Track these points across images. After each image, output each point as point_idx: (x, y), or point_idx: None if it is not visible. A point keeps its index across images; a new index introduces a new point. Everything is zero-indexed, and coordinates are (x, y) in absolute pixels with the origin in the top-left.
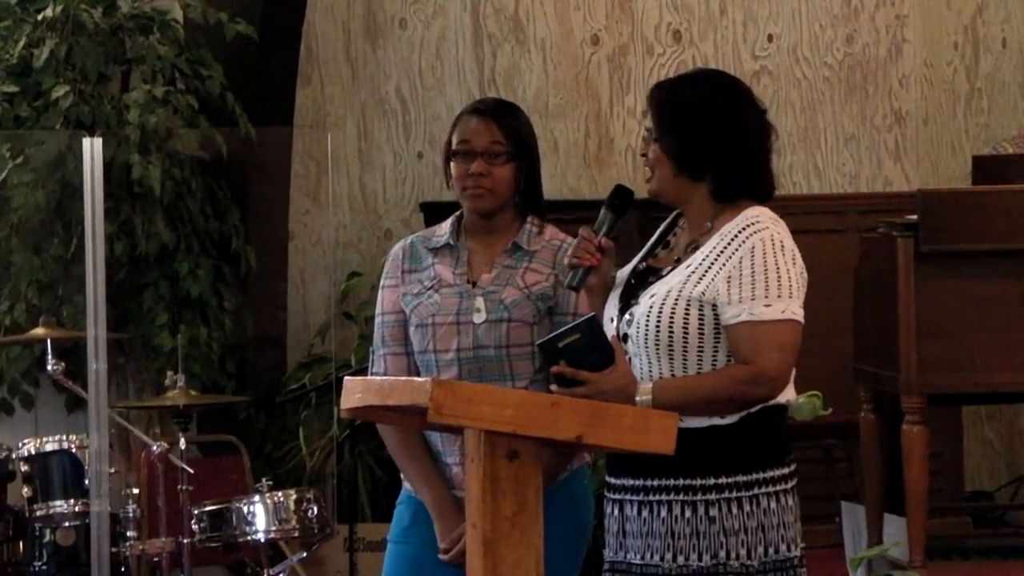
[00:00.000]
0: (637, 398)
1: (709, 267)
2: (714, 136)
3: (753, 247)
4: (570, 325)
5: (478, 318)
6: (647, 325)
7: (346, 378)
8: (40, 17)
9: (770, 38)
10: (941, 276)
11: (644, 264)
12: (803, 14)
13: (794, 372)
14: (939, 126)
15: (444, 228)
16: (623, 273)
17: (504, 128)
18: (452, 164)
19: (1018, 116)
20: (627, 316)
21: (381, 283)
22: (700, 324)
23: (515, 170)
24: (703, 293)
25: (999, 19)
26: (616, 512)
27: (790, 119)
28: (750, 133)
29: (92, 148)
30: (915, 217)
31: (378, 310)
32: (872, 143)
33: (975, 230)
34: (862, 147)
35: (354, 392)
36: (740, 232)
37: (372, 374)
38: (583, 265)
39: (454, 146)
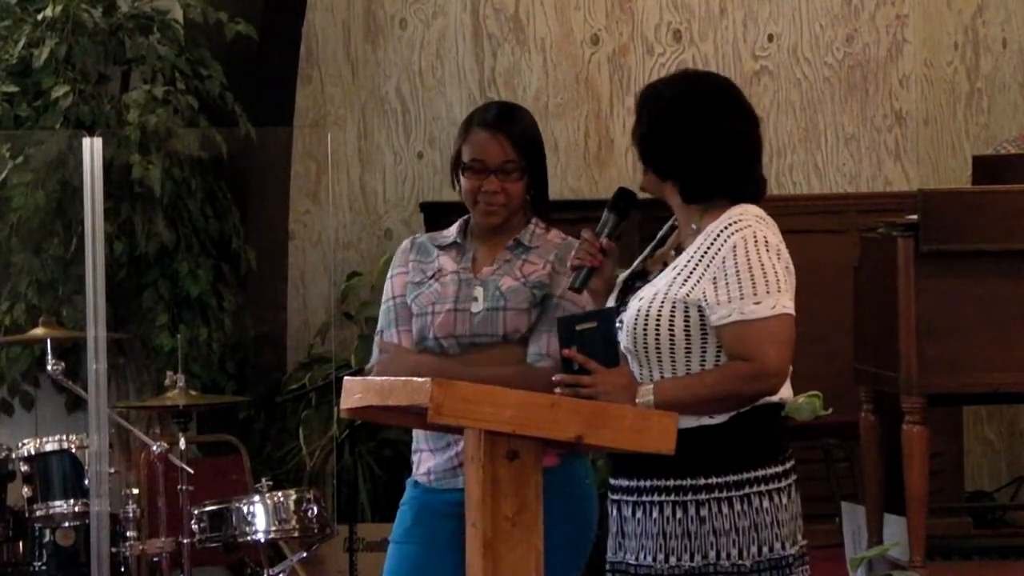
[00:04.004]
0: (639, 399)
1: (693, 269)
2: (675, 137)
3: (735, 245)
4: (591, 311)
5: (475, 307)
6: (635, 329)
7: (346, 378)
8: (40, 17)
9: (770, 38)
10: (941, 276)
11: (639, 268)
12: (803, 14)
13: (790, 370)
14: (939, 126)
15: (452, 230)
16: (622, 277)
17: (516, 142)
18: (463, 177)
19: (1018, 116)
20: (618, 322)
21: (389, 274)
22: (686, 326)
23: (528, 183)
24: (688, 295)
25: (999, 19)
26: (615, 513)
27: (790, 119)
28: (719, 137)
29: (92, 148)
30: (915, 217)
31: (387, 296)
32: (872, 143)
33: (975, 230)
34: (862, 147)
35: (354, 392)
36: (722, 231)
37: (381, 352)
38: (585, 266)
39: (465, 160)
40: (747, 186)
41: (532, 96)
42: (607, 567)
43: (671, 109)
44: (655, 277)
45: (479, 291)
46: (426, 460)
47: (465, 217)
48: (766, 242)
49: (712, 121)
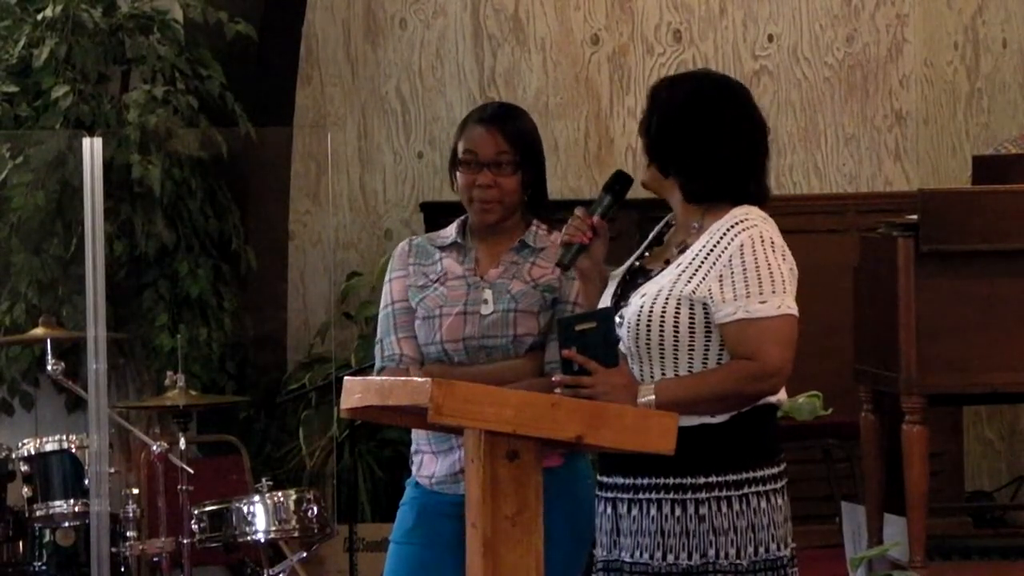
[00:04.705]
0: (640, 399)
1: (699, 266)
2: (684, 135)
3: (742, 244)
4: (590, 311)
5: (485, 309)
6: (638, 325)
7: (346, 378)
8: (40, 17)
9: (770, 38)
10: (941, 276)
11: (637, 264)
12: (803, 14)
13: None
14: (939, 126)
15: (450, 230)
16: (617, 274)
17: (510, 137)
18: (458, 173)
19: (1018, 116)
20: (617, 317)
21: (387, 278)
22: (691, 323)
23: (522, 178)
24: (693, 292)
25: (999, 19)
26: (609, 511)
27: (790, 119)
28: (727, 140)
29: (92, 148)
30: (915, 217)
31: (385, 301)
32: (872, 143)
33: (975, 230)
34: (862, 147)
35: (354, 392)
36: (729, 230)
37: (385, 358)
38: (575, 242)
39: (460, 155)
40: (750, 191)
41: (532, 96)
42: (598, 565)
43: (684, 107)
44: (657, 274)
45: (488, 294)
46: (428, 463)
47: (463, 217)
48: (772, 243)
49: (722, 124)
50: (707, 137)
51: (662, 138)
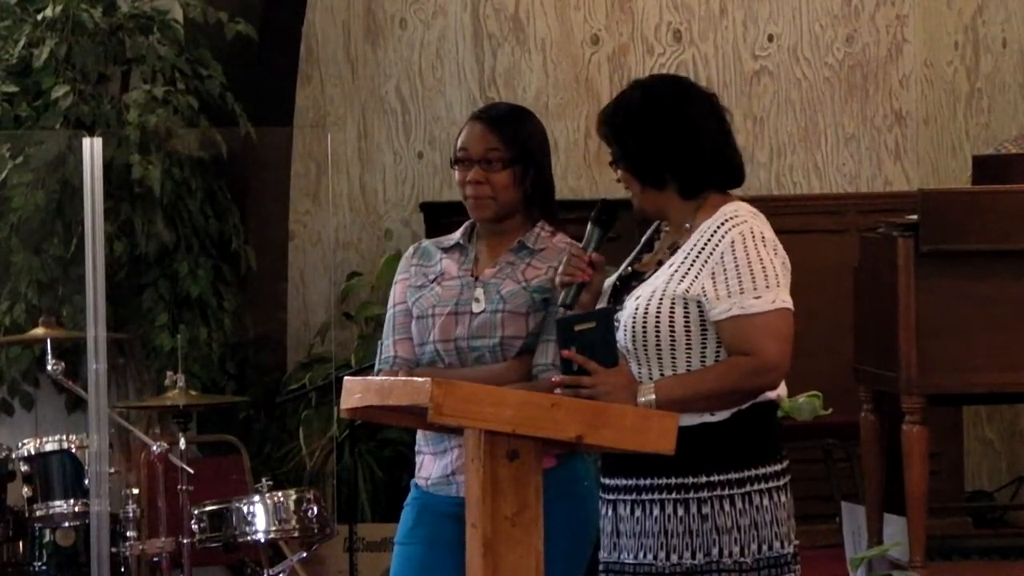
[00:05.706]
0: (640, 398)
1: (691, 265)
2: (659, 141)
3: (733, 241)
4: (589, 312)
5: (476, 307)
6: (634, 327)
7: (346, 378)
8: (40, 17)
9: (770, 38)
10: (941, 276)
11: (629, 270)
12: (803, 14)
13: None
14: (939, 126)
15: (457, 232)
16: (610, 281)
17: (502, 134)
18: (456, 170)
19: (1018, 116)
20: (614, 321)
21: (394, 280)
22: (686, 322)
23: (515, 175)
24: (687, 291)
25: (999, 19)
26: (610, 513)
27: (790, 119)
28: (695, 124)
29: (92, 148)
30: (915, 217)
31: (389, 304)
32: (872, 143)
33: (975, 230)
34: (862, 147)
35: (354, 392)
36: (719, 228)
37: (382, 360)
38: (575, 282)
39: (456, 152)
40: (734, 166)
41: (532, 96)
42: (600, 568)
43: (647, 114)
44: (650, 276)
45: (480, 292)
46: (427, 464)
47: (471, 220)
48: (763, 237)
49: (687, 108)
50: (683, 125)
51: (646, 151)
